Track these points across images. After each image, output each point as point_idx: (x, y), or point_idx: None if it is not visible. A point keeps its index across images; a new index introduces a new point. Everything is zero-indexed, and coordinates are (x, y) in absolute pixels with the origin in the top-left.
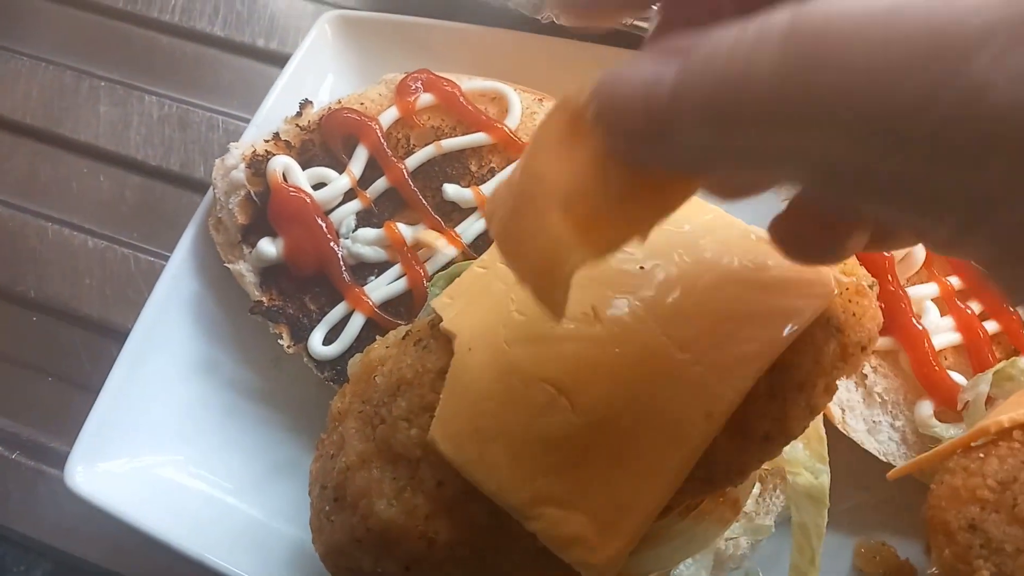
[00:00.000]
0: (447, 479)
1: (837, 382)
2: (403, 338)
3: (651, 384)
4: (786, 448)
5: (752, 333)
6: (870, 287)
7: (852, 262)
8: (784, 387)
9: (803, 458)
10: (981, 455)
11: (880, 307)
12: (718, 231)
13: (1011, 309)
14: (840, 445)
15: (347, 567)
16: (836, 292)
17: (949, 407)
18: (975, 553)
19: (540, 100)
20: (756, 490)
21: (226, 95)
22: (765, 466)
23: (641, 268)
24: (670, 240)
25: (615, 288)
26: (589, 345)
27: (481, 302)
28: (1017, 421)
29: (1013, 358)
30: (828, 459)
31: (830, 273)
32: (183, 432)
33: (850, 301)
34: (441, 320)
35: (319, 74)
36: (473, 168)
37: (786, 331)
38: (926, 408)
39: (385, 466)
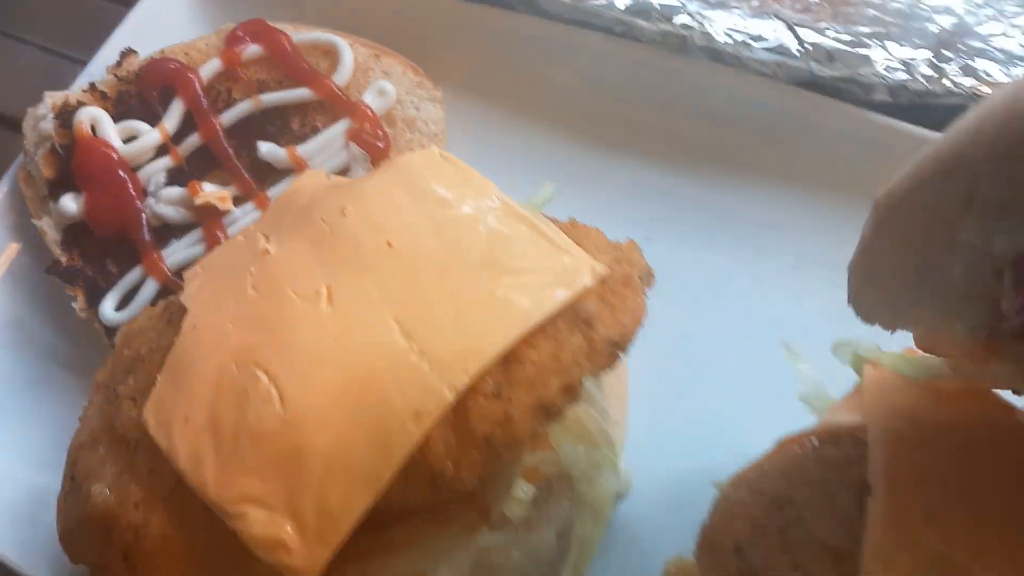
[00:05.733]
0: (159, 467)
1: (583, 381)
2: (163, 310)
3: (368, 377)
4: (566, 449)
5: (485, 324)
6: (642, 278)
7: (630, 248)
8: (512, 385)
9: (582, 462)
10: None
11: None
12: (482, 210)
13: None
14: None
15: (76, 550)
16: (592, 281)
17: None
18: None
19: (377, 56)
20: (527, 496)
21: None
22: (551, 470)
23: (389, 244)
24: (428, 214)
25: (356, 266)
26: (313, 330)
27: (224, 275)
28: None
29: None
30: (619, 465)
31: (587, 260)
32: None
33: (612, 292)
34: None
35: (170, 23)
36: (295, 126)
37: (522, 322)
38: None
39: (110, 447)
